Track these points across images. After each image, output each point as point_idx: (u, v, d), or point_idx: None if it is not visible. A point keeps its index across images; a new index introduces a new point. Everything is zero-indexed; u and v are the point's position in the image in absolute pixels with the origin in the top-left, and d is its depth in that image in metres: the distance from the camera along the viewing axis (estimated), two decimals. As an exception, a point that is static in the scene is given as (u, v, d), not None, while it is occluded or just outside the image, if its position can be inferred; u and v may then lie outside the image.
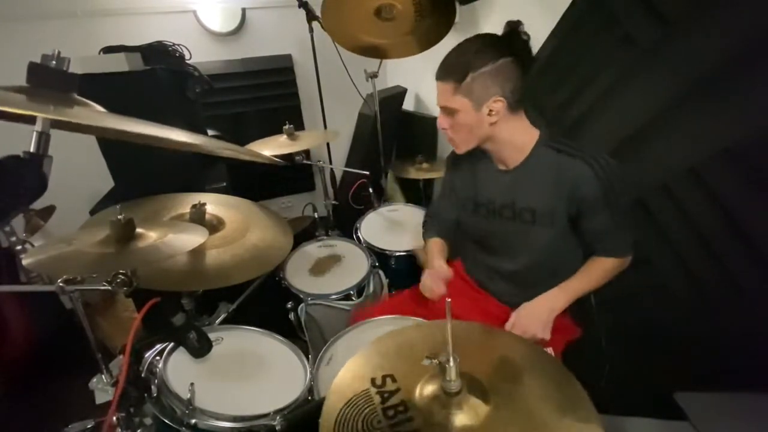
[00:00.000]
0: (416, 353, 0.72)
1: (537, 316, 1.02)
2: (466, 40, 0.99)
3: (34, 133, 0.73)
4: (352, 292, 1.40)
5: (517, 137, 1.03)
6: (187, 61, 1.83)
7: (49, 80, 0.78)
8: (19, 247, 1.73)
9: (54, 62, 0.77)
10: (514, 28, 0.95)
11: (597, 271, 1.07)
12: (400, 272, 1.62)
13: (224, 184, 1.84)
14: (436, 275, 1.13)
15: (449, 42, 1.79)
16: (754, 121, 0.96)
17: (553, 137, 1.03)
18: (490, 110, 0.96)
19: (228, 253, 1.20)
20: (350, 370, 0.74)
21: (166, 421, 0.88)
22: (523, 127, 1.04)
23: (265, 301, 1.47)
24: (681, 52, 1.08)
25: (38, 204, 1.64)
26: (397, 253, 1.61)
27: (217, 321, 1.37)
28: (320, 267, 1.53)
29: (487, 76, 0.94)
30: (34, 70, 0.76)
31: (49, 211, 1.77)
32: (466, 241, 1.27)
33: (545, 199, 1.02)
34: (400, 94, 2.55)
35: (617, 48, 1.23)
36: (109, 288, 0.87)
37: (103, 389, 0.96)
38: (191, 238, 0.98)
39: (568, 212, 1.01)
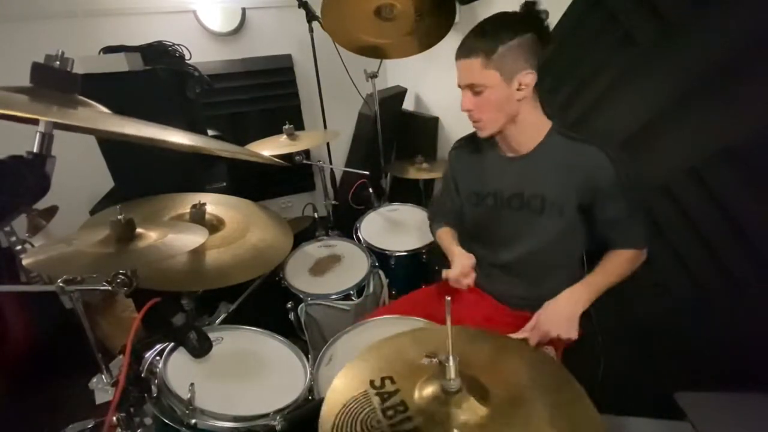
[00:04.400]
0: (415, 355, 0.72)
1: (561, 314, 0.96)
2: (486, 19, 0.99)
3: (38, 134, 0.73)
4: (352, 292, 1.40)
5: (536, 120, 1.03)
6: (187, 61, 1.83)
7: (53, 80, 0.78)
8: (19, 247, 1.73)
9: (58, 62, 0.77)
10: (531, 8, 0.95)
11: (616, 265, 1.03)
12: (400, 272, 1.62)
13: (224, 184, 1.84)
14: (463, 266, 1.09)
15: (449, 42, 1.79)
16: (754, 121, 0.96)
17: (566, 127, 1.03)
18: (521, 84, 0.95)
19: (228, 253, 1.20)
20: (349, 372, 0.74)
21: (166, 421, 0.88)
22: (540, 111, 1.03)
23: (265, 301, 1.47)
24: (681, 52, 1.08)
25: (40, 204, 1.63)
26: (397, 253, 1.61)
27: (217, 321, 1.37)
28: (320, 267, 1.53)
29: (517, 48, 0.93)
30: (37, 70, 0.76)
31: (51, 211, 1.76)
32: (466, 240, 1.26)
33: (556, 187, 1.01)
34: (400, 94, 2.55)
35: (617, 48, 1.23)
36: (109, 288, 0.87)
37: (103, 389, 0.96)
38: (191, 238, 0.98)
39: (580, 202, 1.00)
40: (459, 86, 1.01)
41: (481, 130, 1.05)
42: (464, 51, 0.97)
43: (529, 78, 0.95)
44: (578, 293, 0.99)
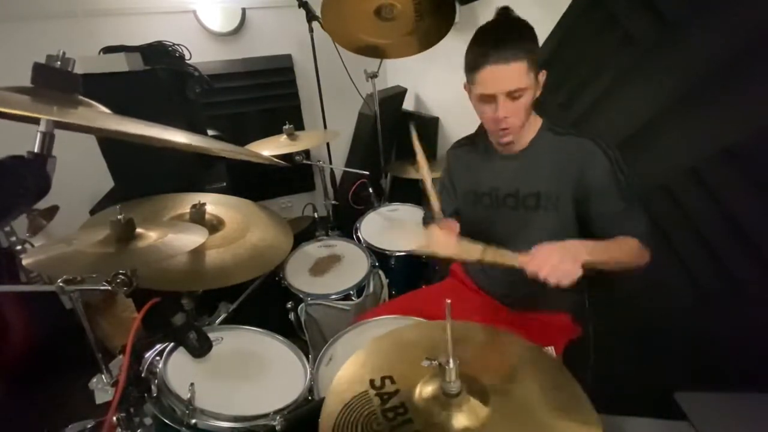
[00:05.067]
0: (415, 354, 0.72)
1: (562, 248, 0.83)
2: (508, 19, 0.96)
3: (38, 134, 0.73)
4: (352, 292, 1.40)
5: (531, 119, 1.03)
6: (187, 61, 1.83)
7: (54, 81, 0.78)
8: (19, 247, 1.73)
9: (59, 63, 0.78)
10: (508, 13, 0.96)
11: (619, 244, 0.93)
12: (400, 272, 1.62)
13: (224, 184, 1.84)
14: (446, 227, 1.01)
15: (449, 42, 1.80)
16: (754, 121, 0.96)
17: (555, 123, 1.04)
18: (542, 84, 0.97)
19: (228, 253, 1.21)
20: (349, 371, 0.74)
21: (166, 421, 0.88)
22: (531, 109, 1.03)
23: (265, 301, 1.47)
24: (681, 52, 1.08)
25: (41, 204, 1.64)
26: (397, 254, 1.61)
27: (217, 321, 1.37)
28: (320, 267, 1.53)
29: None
30: (39, 70, 0.76)
31: (52, 211, 1.77)
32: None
33: (550, 182, 1.01)
34: (400, 94, 2.55)
35: (617, 48, 1.23)
36: (109, 288, 0.87)
37: (103, 389, 0.96)
38: (191, 238, 0.98)
39: (575, 196, 1.00)
40: (489, 95, 0.93)
41: (509, 136, 0.99)
42: (503, 56, 0.88)
43: (543, 77, 0.96)
44: (574, 244, 0.87)
